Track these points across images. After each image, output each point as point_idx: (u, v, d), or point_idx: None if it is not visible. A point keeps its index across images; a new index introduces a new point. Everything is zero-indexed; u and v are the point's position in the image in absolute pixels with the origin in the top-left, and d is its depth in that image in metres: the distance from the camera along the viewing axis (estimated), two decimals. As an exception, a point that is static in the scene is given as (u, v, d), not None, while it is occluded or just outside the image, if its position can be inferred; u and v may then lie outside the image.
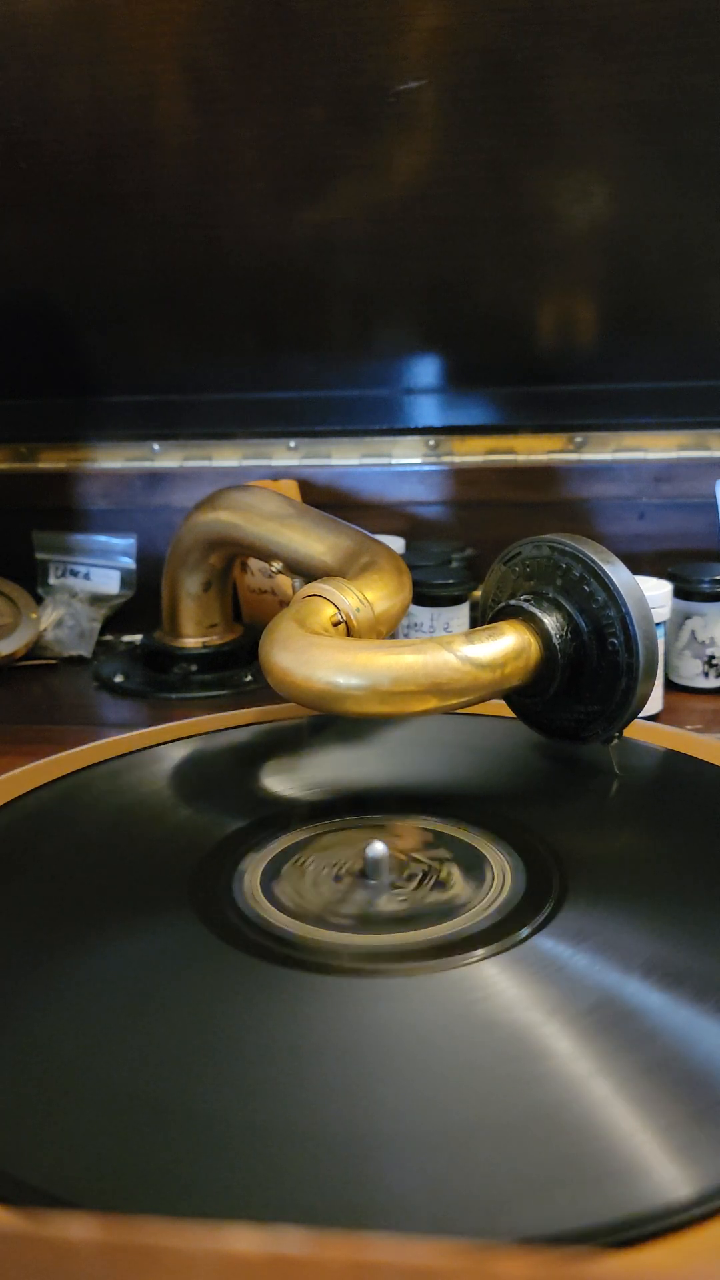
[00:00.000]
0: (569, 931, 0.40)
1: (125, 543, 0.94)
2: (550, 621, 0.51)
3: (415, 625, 0.78)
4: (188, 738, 0.60)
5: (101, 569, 0.93)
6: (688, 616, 0.74)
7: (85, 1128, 0.31)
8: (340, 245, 0.84)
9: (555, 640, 0.51)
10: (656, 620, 0.67)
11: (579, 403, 0.91)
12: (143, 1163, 0.30)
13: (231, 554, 0.77)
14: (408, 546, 0.88)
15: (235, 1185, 0.29)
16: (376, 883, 0.44)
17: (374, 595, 0.58)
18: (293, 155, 0.78)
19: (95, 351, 0.94)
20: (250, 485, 0.76)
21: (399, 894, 0.44)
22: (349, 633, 0.56)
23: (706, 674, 0.74)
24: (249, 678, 0.77)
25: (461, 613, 0.78)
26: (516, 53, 0.70)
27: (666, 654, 0.74)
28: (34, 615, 0.84)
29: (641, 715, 0.57)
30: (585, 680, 0.52)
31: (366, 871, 0.45)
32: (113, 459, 0.96)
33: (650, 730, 0.59)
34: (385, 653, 0.48)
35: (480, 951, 0.39)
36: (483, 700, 0.50)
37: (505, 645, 0.50)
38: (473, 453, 0.92)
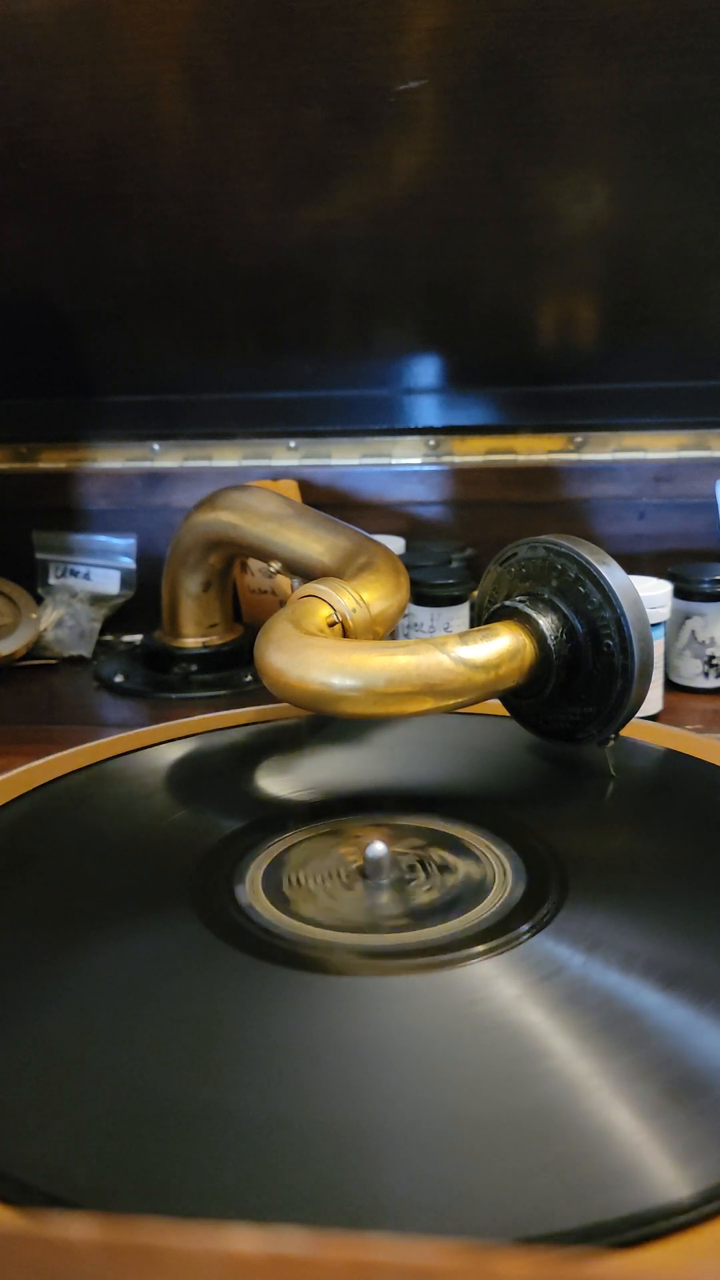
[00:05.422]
0: (569, 931, 0.40)
1: (125, 543, 0.94)
2: (545, 622, 0.51)
3: (415, 625, 0.78)
4: (187, 737, 0.60)
5: (101, 569, 0.94)
6: (688, 616, 0.74)
7: (85, 1127, 0.31)
8: (340, 245, 0.84)
9: (550, 641, 0.51)
10: (656, 620, 0.68)
11: (579, 403, 0.91)
12: (143, 1163, 0.30)
13: (231, 554, 0.77)
14: (408, 546, 0.88)
15: (235, 1185, 0.29)
16: (376, 882, 0.44)
17: (371, 596, 0.58)
18: (293, 155, 0.78)
19: (95, 351, 0.94)
20: (250, 485, 0.76)
21: (398, 894, 0.44)
22: (345, 633, 0.56)
23: (706, 674, 0.74)
24: (248, 678, 0.77)
25: (461, 613, 0.78)
26: (516, 53, 0.70)
27: (666, 654, 0.74)
28: (34, 615, 0.84)
29: (641, 715, 0.57)
30: (581, 682, 0.52)
31: (366, 871, 0.45)
32: (113, 459, 0.96)
33: (650, 730, 0.59)
34: (379, 654, 0.48)
35: (480, 951, 0.39)
36: (478, 701, 0.50)
37: (500, 646, 0.50)
38: (473, 453, 0.92)
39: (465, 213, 0.80)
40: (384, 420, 0.93)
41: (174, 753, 0.58)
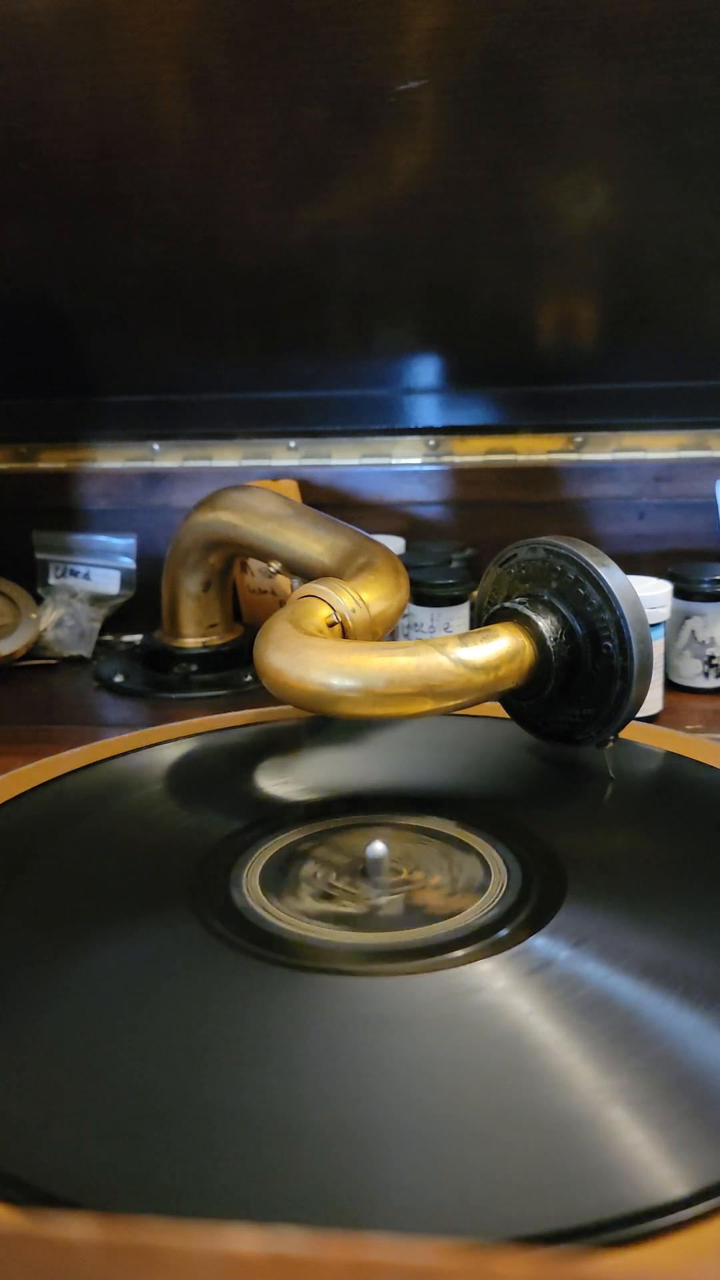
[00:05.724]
0: (567, 931, 0.40)
1: (125, 543, 0.94)
2: (545, 624, 0.51)
3: (415, 626, 0.78)
4: (187, 738, 0.60)
5: (101, 569, 0.94)
6: (688, 616, 0.74)
7: (85, 1128, 0.31)
8: (340, 245, 0.84)
9: (550, 643, 0.51)
10: (656, 620, 0.68)
11: (579, 403, 0.91)
12: (143, 1162, 0.30)
13: (231, 554, 0.77)
14: (408, 546, 0.88)
15: (235, 1185, 0.29)
16: (375, 882, 0.44)
17: (370, 596, 0.58)
18: (293, 155, 0.78)
19: (95, 351, 0.94)
20: (250, 485, 0.76)
21: (397, 894, 0.44)
22: (345, 634, 0.56)
23: (706, 674, 0.74)
24: (248, 678, 0.77)
25: (462, 613, 0.78)
26: (516, 53, 0.70)
27: (666, 654, 0.74)
28: (34, 615, 0.84)
29: (641, 715, 0.57)
30: (580, 683, 0.52)
31: (366, 871, 0.45)
32: (113, 459, 0.96)
33: (649, 731, 0.59)
34: (379, 654, 0.48)
35: (478, 951, 0.39)
36: (477, 702, 0.50)
37: (499, 647, 0.50)
38: (473, 453, 0.92)
39: (465, 213, 0.80)
40: (384, 420, 0.93)
41: (174, 753, 0.58)
